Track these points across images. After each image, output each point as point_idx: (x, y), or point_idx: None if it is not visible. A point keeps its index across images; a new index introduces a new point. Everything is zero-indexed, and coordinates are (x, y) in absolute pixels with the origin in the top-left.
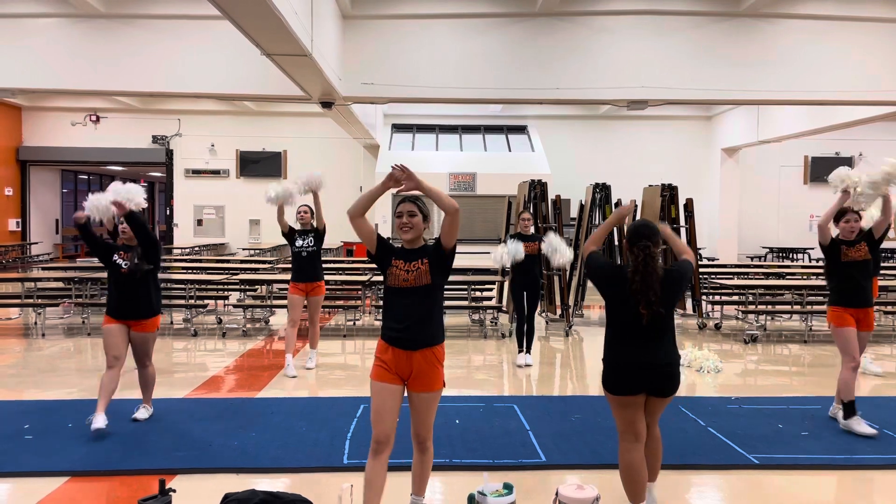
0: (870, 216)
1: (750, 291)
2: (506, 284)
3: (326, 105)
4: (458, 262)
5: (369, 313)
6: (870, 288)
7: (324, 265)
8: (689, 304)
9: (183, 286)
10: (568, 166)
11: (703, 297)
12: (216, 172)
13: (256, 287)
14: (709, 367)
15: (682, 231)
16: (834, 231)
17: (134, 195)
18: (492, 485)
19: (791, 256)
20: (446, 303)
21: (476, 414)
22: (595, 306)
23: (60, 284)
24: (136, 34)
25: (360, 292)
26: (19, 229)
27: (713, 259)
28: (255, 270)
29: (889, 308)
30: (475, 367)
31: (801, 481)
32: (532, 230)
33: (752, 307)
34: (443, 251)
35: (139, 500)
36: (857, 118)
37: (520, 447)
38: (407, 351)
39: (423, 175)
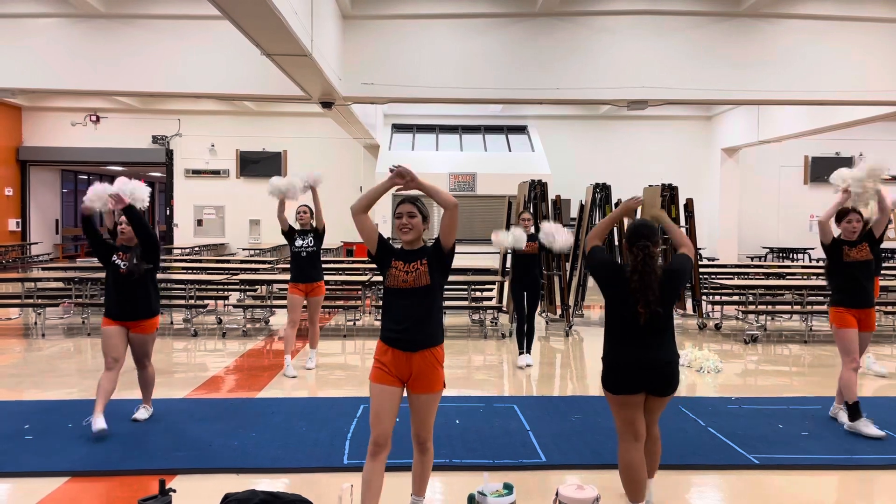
0: (872, 210)
1: (750, 291)
2: (506, 284)
3: (326, 105)
4: (458, 262)
5: (369, 313)
6: (871, 288)
7: (324, 265)
8: (689, 304)
9: (183, 286)
10: (568, 166)
11: (704, 298)
12: (216, 172)
13: (256, 287)
14: (709, 368)
15: (682, 232)
16: (835, 231)
17: (137, 192)
18: (492, 485)
19: (791, 256)
20: (446, 303)
21: (476, 414)
22: (595, 306)
23: (60, 284)
24: (136, 34)
25: (360, 292)
26: (19, 229)
27: (713, 259)
28: (255, 270)
29: (889, 308)
30: (475, 368)
31: (801, 481)
32: (532, 230)
33: (752, 307)
34: (442, 251)
35: (139, 501)
36: (857, 118)
37: (520, 447)
38: (406, 352)
39: (422, 175)
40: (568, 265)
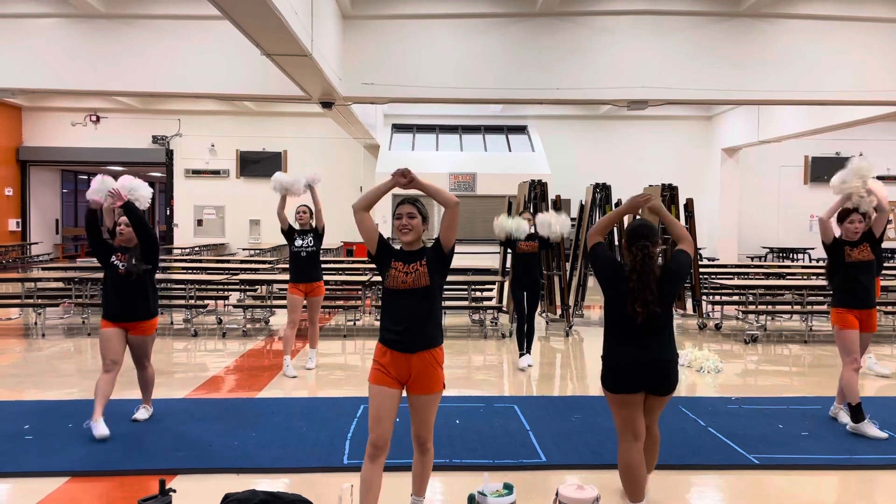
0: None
1: (750, 291)
2: (506, 284)
3: (326, 105)
4: (458, 261)
5: (369, 313)
6: (873, 289)
7: (324, 265)
8: (689, 304)
9: (183, 286)
10: (568, 166)
11: (704, 298)
12: (216, 172)
13: (256, 287)
14: (709, 368)
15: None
16: (836, 231)
17: (139, 191)
18: (492, 485)
19: (791, 256)
20: (446, 303)
21: (476, 414)
22: (595, 306)
23: (60, 284)
24: (137, 34)
25: (360, 292)
26: (19, 229)
27: (713, 259)
28: (255, 271)
29: (889, 308)
30: (475, 368)
31: (801, 481)
32: (533, 230)
33: (752, 307)
34: (442, 252)
35: (139, 501)
36: (857, 118)
37: (520, 447)
38: (406, 354)
39: (423, 175)
40: (568, 265)
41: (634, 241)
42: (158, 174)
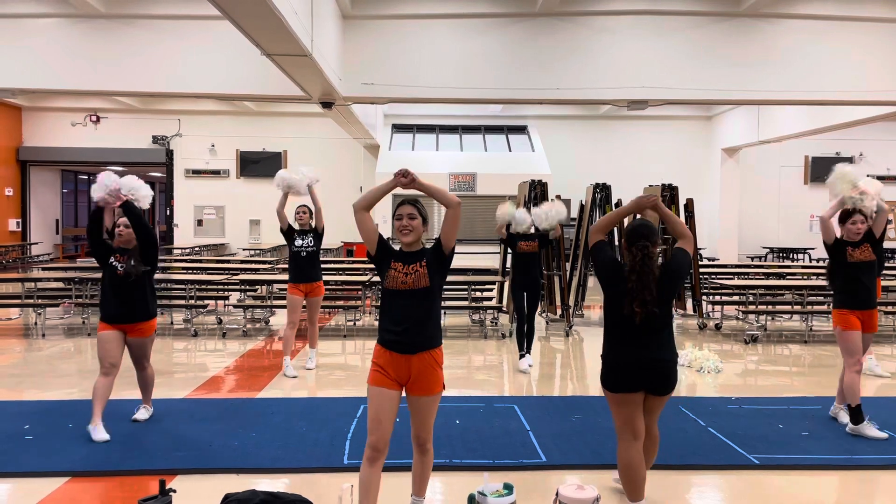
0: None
1: (750, 292)
2: (506, 284)
3: (326, 105)
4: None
5: (369, 313)
6: (874, 289)
7: (324, 265)
8: (689, 304)
9: (183, 286)
10: (568, 166)
11: (704, 298)
12: (216, 172)
13: (256, 287)
14: (709, 368)
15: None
16: (837, 231)
17: (139, 191)
18: (492, 485)
19: (791, 256)
20: (446, 303)
21: (476, 414)
22: (595, 306)
23: (60, 285)
24: (137, 34)
25: (360, 292)
26: (19, 229)
27: (713, 259)
28: (256, 271)
29: (890, 308)
30: (475, 368)
31: (801, 481)
32: (533, 230)
33: (752, 307)
34: (442, 252)
35: (139, 501)
36: (857, 118)
37: (520, 447)
38: (405, 355)
39: (423, 175)
40: (568, 265)
41: (634, 241)
42: (158, 174)
